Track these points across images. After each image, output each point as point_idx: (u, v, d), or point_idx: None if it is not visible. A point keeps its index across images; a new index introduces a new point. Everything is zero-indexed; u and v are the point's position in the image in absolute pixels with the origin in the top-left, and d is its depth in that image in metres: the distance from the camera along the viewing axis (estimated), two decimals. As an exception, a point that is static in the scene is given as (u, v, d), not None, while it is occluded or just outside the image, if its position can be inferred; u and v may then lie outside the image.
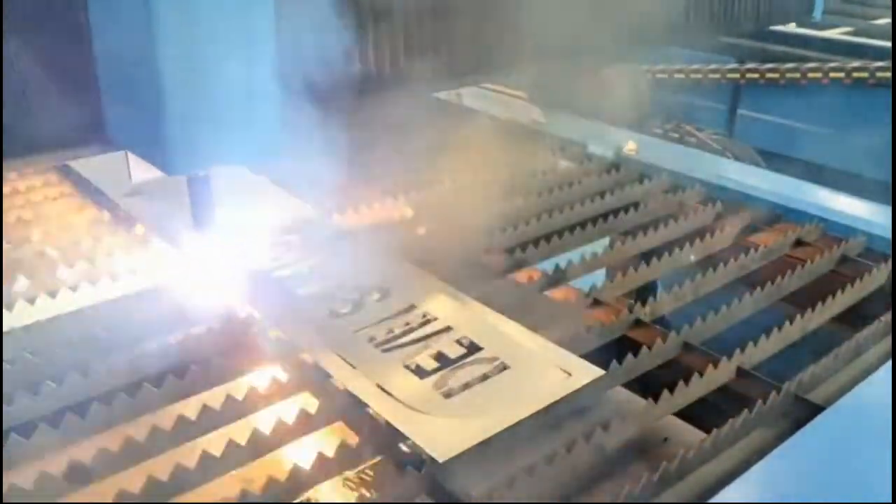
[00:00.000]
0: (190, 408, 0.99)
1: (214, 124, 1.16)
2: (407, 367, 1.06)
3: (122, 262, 1.36)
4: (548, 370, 1.05)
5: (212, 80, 1.14)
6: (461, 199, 1.63)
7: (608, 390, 1.07)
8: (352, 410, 1.01)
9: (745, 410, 1.01)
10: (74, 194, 1.66)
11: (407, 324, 1.16)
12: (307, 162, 1.34)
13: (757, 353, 1.16)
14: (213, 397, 1.02)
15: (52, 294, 1.26)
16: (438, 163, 1.69)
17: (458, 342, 1.11)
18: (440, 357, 1.08)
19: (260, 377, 1.08)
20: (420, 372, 1.05)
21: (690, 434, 1.05)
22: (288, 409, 1.00)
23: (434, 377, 1.04)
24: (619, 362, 1.09)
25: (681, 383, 1.04)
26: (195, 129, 1.15)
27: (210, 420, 0.98)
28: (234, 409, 0.99)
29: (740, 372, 1.12)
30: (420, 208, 1.60)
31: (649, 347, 1.13)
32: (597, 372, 1.05)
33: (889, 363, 1.13)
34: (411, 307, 1.19)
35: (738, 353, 1.13)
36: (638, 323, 1.22)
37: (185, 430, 0.96)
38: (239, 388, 1.04)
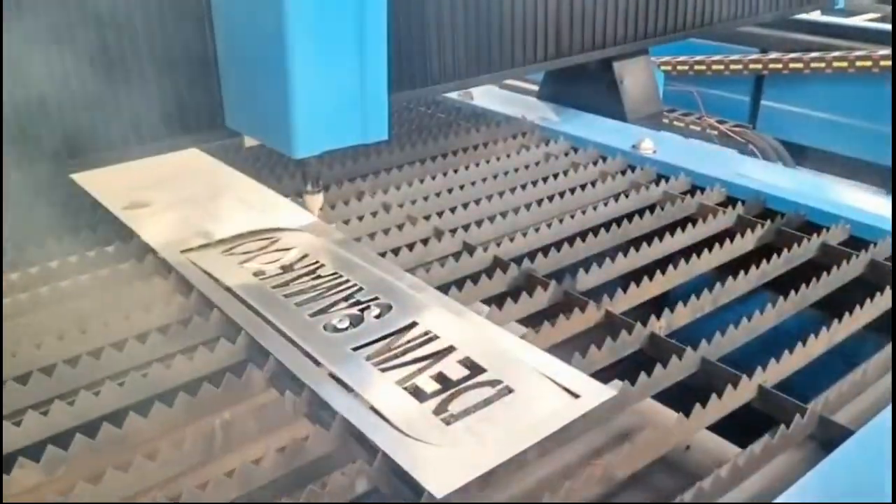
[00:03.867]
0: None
1: (336, 105, 1.23)
2: (406, 388, 1.00)
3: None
4: (555, 393, 0.99)
5: (332, 66, 1.20)
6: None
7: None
8: (345, 438, 0.95)
9: (767, 434, 0.94)
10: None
11: (408, 342, 1.10)
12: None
13: (781, 370, 1.09)
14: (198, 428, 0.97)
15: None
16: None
17: (461, 363, 1.05)
18: (441, 378, 1.02)
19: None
20: (419, 394, 0.99)
21: (713, 443, 1.02)
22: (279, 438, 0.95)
23: (434, 401, 0.98)
24: (632, 381, 1.02)
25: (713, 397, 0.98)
26: (319, 110, 1.21)
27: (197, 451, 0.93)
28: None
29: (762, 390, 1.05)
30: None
31: (664, 364, 1.06)
32: (607, 393, 0.99)
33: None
34: (412, 324, 1.14)
35: (760, 372, 1.06)
36: (652, 338, 1.15)
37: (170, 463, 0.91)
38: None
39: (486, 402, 0.97)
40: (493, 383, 1.00)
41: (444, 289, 1.25)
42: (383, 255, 1.36)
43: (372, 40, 1.21)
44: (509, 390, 0.99)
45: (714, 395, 1.00)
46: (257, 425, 0.98)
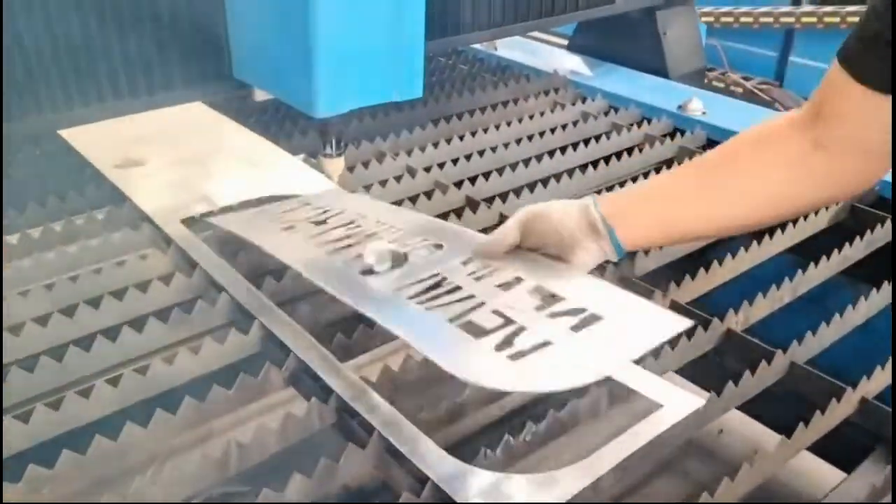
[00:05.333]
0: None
1: (363, 62, 1.09)
2: (460, 327, 0.85)
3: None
4: (645, 316, 0.87)
5: (362, 14, 1.05)
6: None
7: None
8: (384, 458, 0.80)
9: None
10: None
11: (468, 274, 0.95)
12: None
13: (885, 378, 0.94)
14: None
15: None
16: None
17: (533, 292, 0.90)
18: (505, 311, 0.87)
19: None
20: (475, 330, 0.84)
21: (747, 426, 0.98)
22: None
23: (496, 335, 0.83)
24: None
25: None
26: (346, 61, 1.07)
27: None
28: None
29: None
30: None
31: (752, 371, 0.91)
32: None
33: None
34: (468, 260, 0.98)
35: (865, 381, 0.91)
36: (729, 335, 1.00)
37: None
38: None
39: (574, 328, 0.84)
40: (576, 311, 0.87)
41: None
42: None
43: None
44: (596, 317, 0.85)
45: (817, 412, 0.85)
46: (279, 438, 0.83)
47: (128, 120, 1.34)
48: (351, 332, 0.97)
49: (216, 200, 1.25)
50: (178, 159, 1.38)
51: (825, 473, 0.88)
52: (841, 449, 0.89)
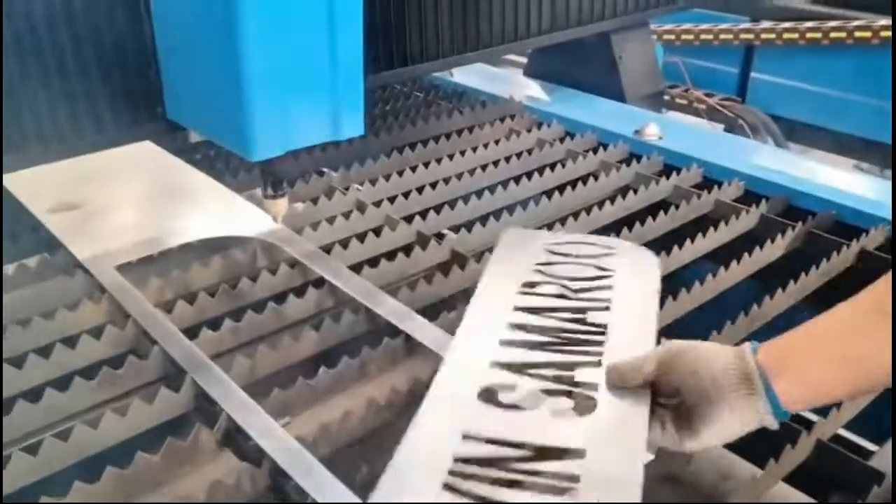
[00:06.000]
0: None
1: (299, 101, 1.02)
2: None
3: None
4: None
5: (296, 52, 0.99)
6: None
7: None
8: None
9: None
10: None
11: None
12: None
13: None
14: None
15: None
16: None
17: None
18: None
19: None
20: None
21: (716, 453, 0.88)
22: None
23: None
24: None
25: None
26: (280, 107, 1.00)
27: None
28: None
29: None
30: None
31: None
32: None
33: None
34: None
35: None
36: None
37: None
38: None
39: None
40: None
41: (431, 312, 1.05)
42: (359, 267, 1.16)
43: (344, 11, 0.99)
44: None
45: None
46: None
47: (71, 162, 1.28)
48: (289, 385, 0.92)
49: (154, 244, 1.20)
50: (118, 200, 1.33)
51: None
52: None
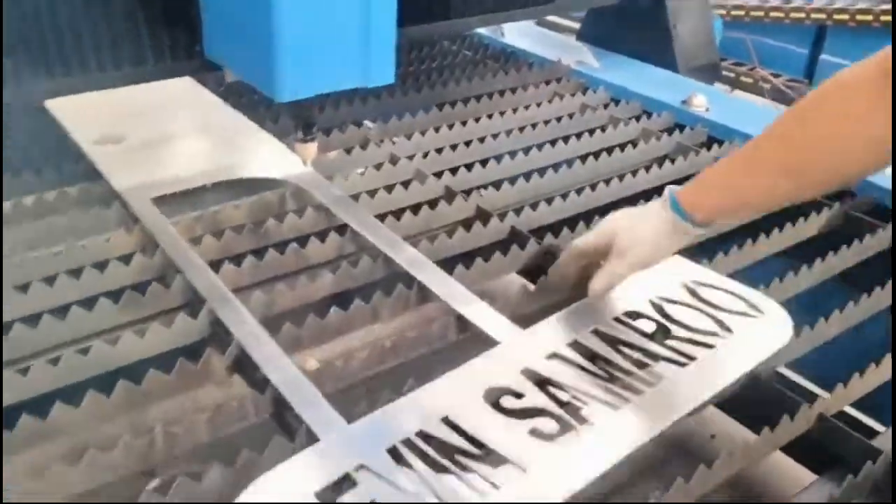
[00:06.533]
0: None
1: (329, 44, 1.02)
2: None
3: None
4: None
5: None
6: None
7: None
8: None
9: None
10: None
11: None
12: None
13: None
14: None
15: None
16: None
17: None
18: None
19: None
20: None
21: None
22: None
23: None
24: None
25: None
26: (310, 44, 1.01)
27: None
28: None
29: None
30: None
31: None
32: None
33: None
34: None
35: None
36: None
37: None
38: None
39: None
40: None
41: (448, 264, 1.06)
42: (383, 217, 1.17)
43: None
44: None
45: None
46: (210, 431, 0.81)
47: (112, 93, 1.32)
48: (301, 322, 0.95)
49: (190, 180, 1.24)
50: (157, 136, 1.37)
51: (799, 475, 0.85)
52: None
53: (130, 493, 0.75)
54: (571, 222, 1.19)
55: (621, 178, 1.33)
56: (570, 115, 1.59)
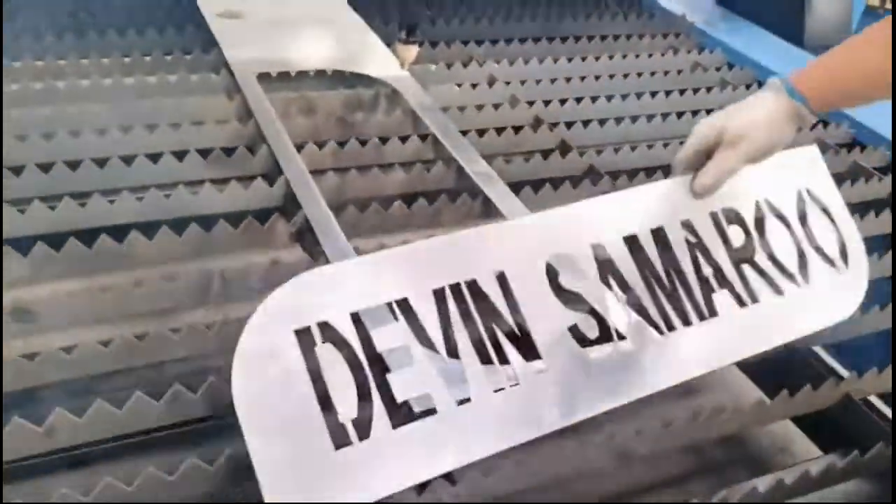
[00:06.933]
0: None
1: None
2: None
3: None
4: None
5: None
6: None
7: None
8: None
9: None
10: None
11: None
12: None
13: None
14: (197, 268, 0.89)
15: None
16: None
17: None
18: None
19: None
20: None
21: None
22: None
23: None
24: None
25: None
26: None
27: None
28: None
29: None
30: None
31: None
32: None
33: None
34: None
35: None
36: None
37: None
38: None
39: None
40: None
41: (517, 186, 1.08)
42: (466, 133, 1.20)
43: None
44: None
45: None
46: (261, 283, 0.88)
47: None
48: (365, 209, 1.00)
49: (295, 64, 1.30)
50: (275, 18, 1.43)
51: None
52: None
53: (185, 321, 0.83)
54: (650, 172, 1.18)
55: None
56: (679, 72, 1.56)
